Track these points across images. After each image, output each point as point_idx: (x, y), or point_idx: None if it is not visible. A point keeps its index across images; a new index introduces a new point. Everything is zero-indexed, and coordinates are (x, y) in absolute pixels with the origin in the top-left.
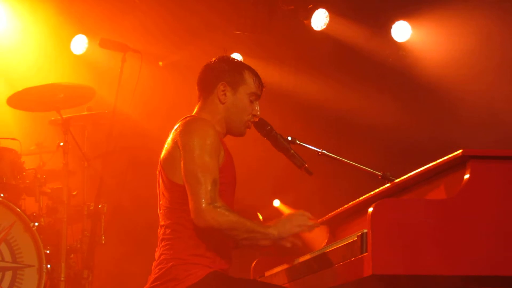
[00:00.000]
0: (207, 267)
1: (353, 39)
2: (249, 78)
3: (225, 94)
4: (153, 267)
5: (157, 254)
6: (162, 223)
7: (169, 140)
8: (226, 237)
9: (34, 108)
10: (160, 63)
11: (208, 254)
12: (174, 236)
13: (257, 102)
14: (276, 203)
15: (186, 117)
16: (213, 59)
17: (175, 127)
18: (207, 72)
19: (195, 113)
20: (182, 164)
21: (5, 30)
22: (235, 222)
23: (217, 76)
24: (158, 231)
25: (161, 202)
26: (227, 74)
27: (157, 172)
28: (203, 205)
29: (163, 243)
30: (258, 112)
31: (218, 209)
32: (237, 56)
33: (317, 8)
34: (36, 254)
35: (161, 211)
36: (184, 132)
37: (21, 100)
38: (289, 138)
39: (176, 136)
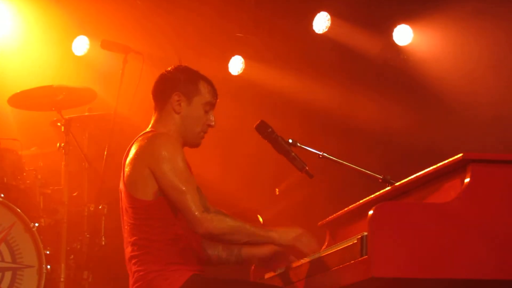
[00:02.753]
0: (186, 271)
1: (354, 43)
2: (203, 89)
3: (179, 104)
4: (130, 279)
5: (130, 273)
6: (128, 239)
7: (130, 157)
8: (226, 242)
9: (34, 107)
10: None
11: (181, 260)
12: (143, 252)
13: (211, 112)
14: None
15: (145, 133)
16: (169, 68)
17: (135, 144)
18: (162, 82)
19: (151, 127)
20: (160, 180)
21: (7, 31)
22: (235, 227)
23: (171, 86)
24: (125, 247)
25: (124, 218)
26: (182, 84)
27: (120, 189)
28: (197, 214)
29: (133, 261)
30: (213, 123)
31: (214, 216)
32: (238, 58)
33: (319, 11)
34: (36, 255)
35: (126, 227)
36: (153, 149)
37: (22, 100)
38: (290, 141)
39: (140, 153)
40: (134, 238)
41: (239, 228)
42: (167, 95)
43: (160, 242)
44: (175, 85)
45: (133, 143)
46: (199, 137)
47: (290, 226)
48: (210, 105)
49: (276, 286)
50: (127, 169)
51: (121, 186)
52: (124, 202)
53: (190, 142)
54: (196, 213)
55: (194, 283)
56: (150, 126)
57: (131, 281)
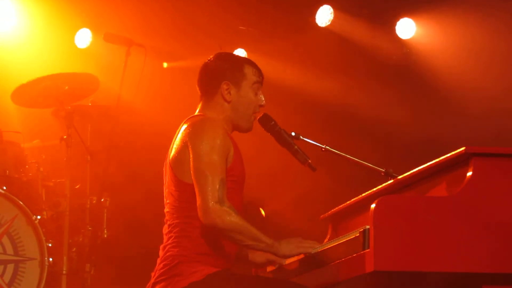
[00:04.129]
0: (212, 266)
1: (357, 36)
2: (249, 72)
3: (229, 93)
4: (157, 263)
5: (162, 251)
6: (170, 221)
7: (177, 140)
8: (229, 239)
9: (38, 104)
10: (165, 65)
11: (213, 253)
12: (182, 234)
13: (260, 92)
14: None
15: (193, 117)
16: (211, 58)
17: (183, 127)
18: (207, 73)
19: (199, 112)
20: (191, 163)
21: (10, 24)
22: (241, 226)
23: (218, 76)
24: (164, 228)
25: (168, 201)
26: (228, 72)
27: (164, 171)
28: (210, 203)
29: (170, 241)
30: (263, 102)
31: (226, 209)
32: (240, 51)
33: (321, 5)
34: (38, 247)
35: (168, 209)
36: (194, 132)
37: (25, 95)
38: (293, 134)
39: (185, 136)
40: (177, 220)
41: (245, 230)
42: (215, 85)
43: (201, 230)
44: (222, 75)
45: (180, 126)
46: (251, 120)
47: (288, 238)
48: (258, 85)
49: (299, 285)
50: (173, 151)
51: (166, 168)
52: (169, 185)
53: (243, 127)
54: (210, 202)
55: (214, 279)
56: (197, 112)
57: (159, 259)
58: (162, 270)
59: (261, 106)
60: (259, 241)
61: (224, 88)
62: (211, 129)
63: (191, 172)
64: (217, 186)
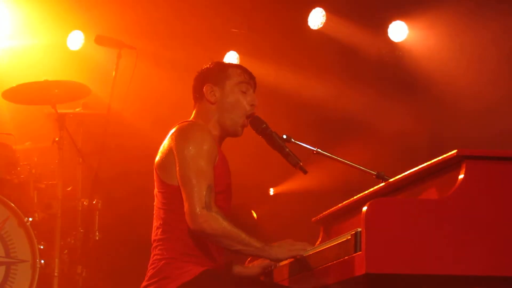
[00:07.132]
0: (199, 265)
1: (349, 39)
2: (233, 72)
3: (214, 95)
4: (148, 266)
5: (151, 255)
6: (155, 223)
7: (164, 143)
8: (218, 244)
9: (29, 101)
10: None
11: (198, 253)
12: (164, 236)
13: (250, 92)
14: (271, 192)
15: (182, 122)
16: (203, 66)
17: (171, 131)
18: (196, 79)
19: (191, 119)
20: (177, 169)
21: (2, 25)
22: (230, 231)
23: (202, 79)
24: (152, 232)
25: (155, 203)
26: (211, 75)
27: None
28: (197, 209)
29: (155, 244)
30: (255, 101)
31: (213, 215)
32: (233, 54)
33: (314, 7)
34: (30, 250)
35: (154, 212)
36: (180, 138)
37: (17, 94)
38: (284, 137)
39: (171, 141)
40: (159, 222)
41: (234, 234)
42: (200, 89)
43: (181, 231)
44: (205, 78)
45: (170, 131)
46: (241, 120)
47: (280, 241)
48: (245, 84)
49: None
50: (159, 154)
51: (154, 172)
52: (155, 187)
53: (231, 129)
54: (196, 208)
55: (204, 279)
56: (191, 118)
57: (149, 263)
58: (150, 273)
59: (252, 105)
60: (248, 245)
61: (207, 90)
62: (199, 135)
63: (178, 178)
64: (204, 192)
